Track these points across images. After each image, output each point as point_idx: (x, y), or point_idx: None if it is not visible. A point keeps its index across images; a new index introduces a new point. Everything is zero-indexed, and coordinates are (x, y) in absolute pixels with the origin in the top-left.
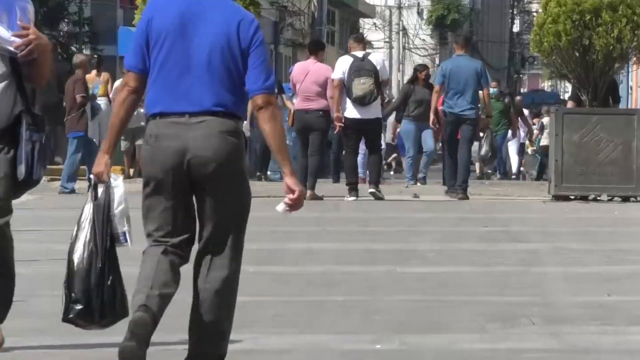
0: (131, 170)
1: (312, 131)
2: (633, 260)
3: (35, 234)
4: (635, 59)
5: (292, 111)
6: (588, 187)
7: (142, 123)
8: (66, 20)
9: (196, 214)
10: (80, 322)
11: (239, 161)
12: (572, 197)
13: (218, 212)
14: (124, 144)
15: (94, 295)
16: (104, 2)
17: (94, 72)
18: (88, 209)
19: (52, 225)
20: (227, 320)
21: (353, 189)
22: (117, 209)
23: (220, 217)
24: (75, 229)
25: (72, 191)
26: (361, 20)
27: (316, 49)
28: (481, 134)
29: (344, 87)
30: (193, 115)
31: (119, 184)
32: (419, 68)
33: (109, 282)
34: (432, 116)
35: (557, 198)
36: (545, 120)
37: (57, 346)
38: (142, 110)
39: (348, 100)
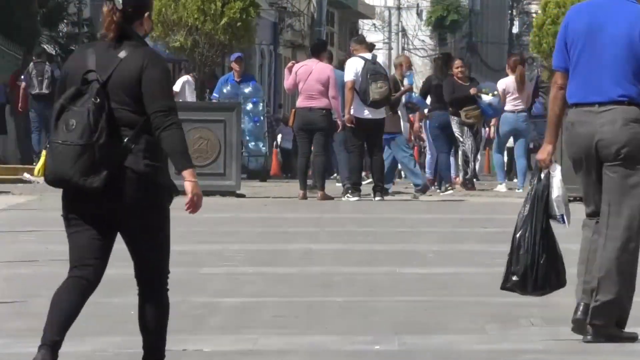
0: None
1: (316, 130)
2: None
3: (35, 234)
4: None
5: (293, 110)
6: None
7: None
8: (65, 21)
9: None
10: (517, 291)
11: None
12: (571, 198)
13: (615, 188)
14: None
15: (530, 269)
16: (103, 3)
17: None
18: (530, 192)
19: (52, 225)
20: (624, 287)
21: (357, 189)
22: (556, 193)
23: (615, 192)
24: (522, 208)
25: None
26: (360, 21)
27: (318, 51)
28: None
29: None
30: (602, 104)
31: (557, 173)
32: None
33: (542, 260)
34: None
35: None
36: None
37: None
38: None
39: (357, 101)
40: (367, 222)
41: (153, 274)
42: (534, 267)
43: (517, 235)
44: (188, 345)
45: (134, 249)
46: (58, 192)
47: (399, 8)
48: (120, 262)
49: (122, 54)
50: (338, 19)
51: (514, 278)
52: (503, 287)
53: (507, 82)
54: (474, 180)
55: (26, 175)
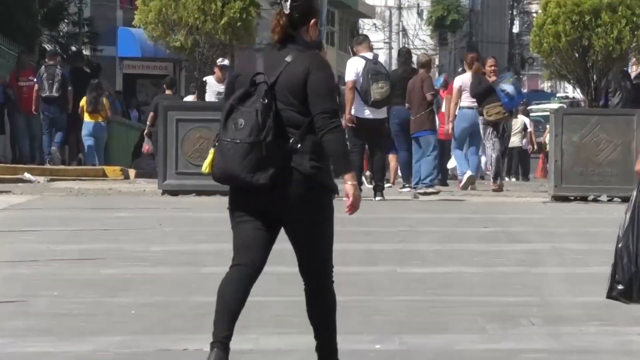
0: (132, 173)
1: None
2: None
3: (35, 234)
4: (634, 59)
5: None
6: (588, 187)
7: None
8: (66, 20)
9: None
10: (622, 299)
11: None
12: (572, 198)
13: None
14: None
15: (635, 277)
16: (103, 3)
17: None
18: (631, 202)
19: (52, 225)
20: None
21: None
22: None
23: None
24: (623, 219)
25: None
26: (361, 21)
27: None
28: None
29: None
30: None
31: None
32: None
33: None
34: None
35: (557, 199)
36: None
37: (57, 346)
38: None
39: (358, 101)
40: (367, 222)
41: (319, 270)
42: (639, 274)
43: (620, 245)
44: (188, 345)
45: (298, 246)
46: (58, 193)
47: (399, 8)
48: (121, 262)
49: (289, 58)
50: (338, 18)
51: (619, 287)
52: (608, 296)
53: (464, 79)
54: (499, 179)
55: (26, 175)
